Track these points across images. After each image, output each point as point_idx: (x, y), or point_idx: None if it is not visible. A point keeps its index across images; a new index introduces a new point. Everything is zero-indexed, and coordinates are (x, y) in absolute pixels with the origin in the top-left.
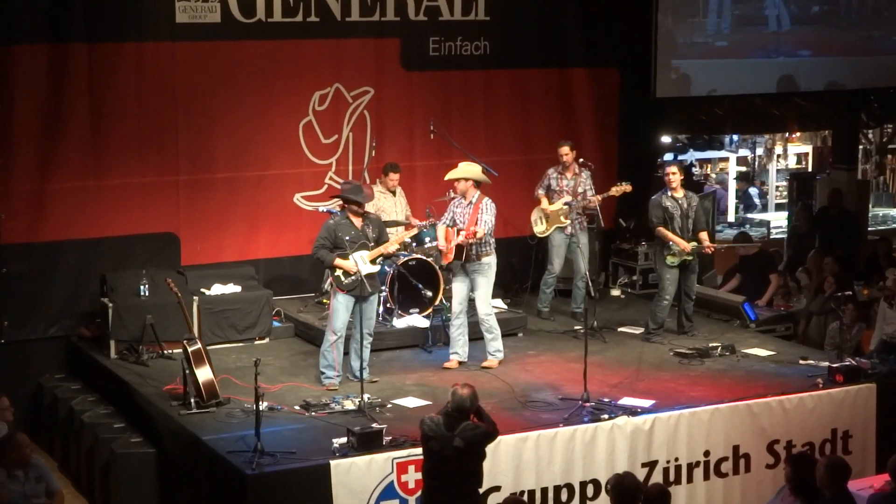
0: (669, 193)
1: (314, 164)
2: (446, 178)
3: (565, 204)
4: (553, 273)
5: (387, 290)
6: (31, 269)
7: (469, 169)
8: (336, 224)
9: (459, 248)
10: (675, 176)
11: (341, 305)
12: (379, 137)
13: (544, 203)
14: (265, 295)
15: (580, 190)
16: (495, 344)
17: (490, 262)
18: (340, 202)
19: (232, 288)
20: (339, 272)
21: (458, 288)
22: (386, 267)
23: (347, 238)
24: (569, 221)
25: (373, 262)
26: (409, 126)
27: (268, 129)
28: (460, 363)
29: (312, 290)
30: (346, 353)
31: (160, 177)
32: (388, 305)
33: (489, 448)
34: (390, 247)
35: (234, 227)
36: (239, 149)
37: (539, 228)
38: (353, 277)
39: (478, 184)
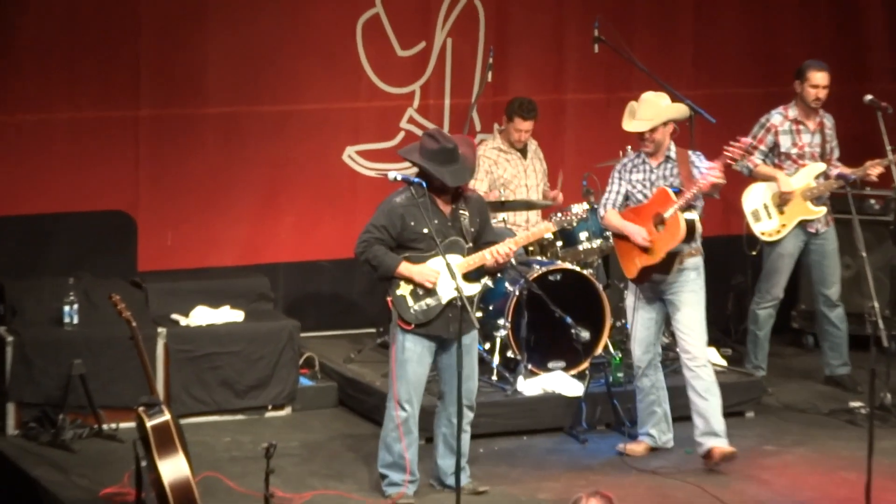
0: None
1: (381, 93)
2: (628, 127)
3: (823, 178)
4: (772, 301)
5: (505, 325)
6: None
7: (664, 105)
8: (405, 205)
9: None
10: None
11: (411, 354)
12: (500, 49)
13: (783, 180)
14: (287, 328)
15: (829, 149)
16: (713, 421)
17: (699, 265)
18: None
19: (228, 314)
20: (403, 289)
21: (646, 322)
22: (506, 284)
23: (425, 231)
24: (823, 210)
25: (470, 275)
26: (556, 32)
27: (299, 30)
28: (652, 449)
29: (372, 323)
30: (428, 441)
31: (106, 110)
32: (507, 354)
33: None
34: (504, 247)
35: (233, 206)
36: (245, 64)
37: (767, 226)
38: (431, 301)
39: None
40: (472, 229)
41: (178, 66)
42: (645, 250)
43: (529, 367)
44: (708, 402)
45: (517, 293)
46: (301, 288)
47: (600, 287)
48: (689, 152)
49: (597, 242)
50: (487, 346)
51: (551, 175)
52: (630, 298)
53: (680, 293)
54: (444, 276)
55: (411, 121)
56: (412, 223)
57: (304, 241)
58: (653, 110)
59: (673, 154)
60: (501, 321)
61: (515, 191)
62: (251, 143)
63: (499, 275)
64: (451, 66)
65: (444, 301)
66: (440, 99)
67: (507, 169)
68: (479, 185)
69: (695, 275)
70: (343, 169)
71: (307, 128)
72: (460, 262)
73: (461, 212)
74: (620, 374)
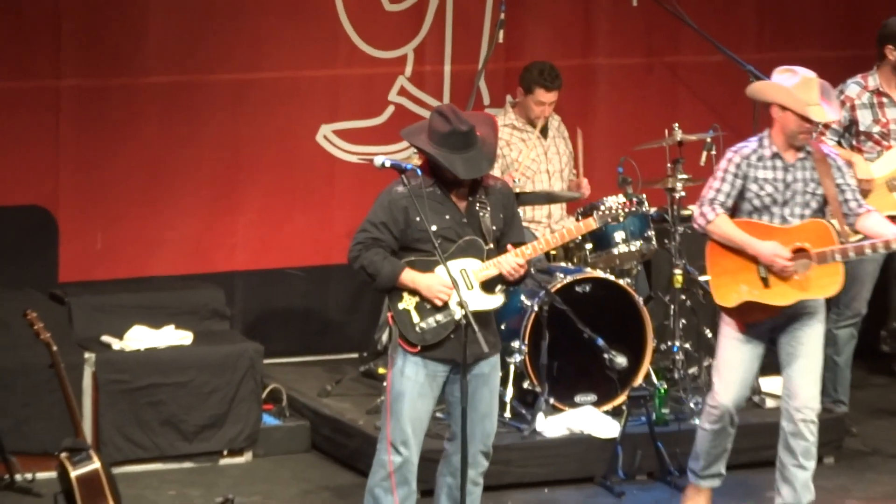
0: None
1: (365, 58)
2: (821, 116)
3: None
4: (853, 318)
5: (521, 348)
6: None
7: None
8: (409, 196)
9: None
10: None
11: (412, 383)
12: (513, 1)
13: (860, 166)
14: (247, 353)
15: None
16: (802, 494)
17: (822, 301)
18: (420, 155)
19: (173, 336)
20: (407, 302)
21: (746, 362)
22: (522, 297)
23: (434, 228)
24: None
25: (490, 284)
26: None
27: None
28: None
29: (355, 346)
30: (426, 495)
31: (16, 79)
32: (524, 386)
33: None
34: (513, 258)
35: (179, 200)
36: (194, 22)
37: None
38: (441, 316)
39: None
40: (494, 227)
41: (110, 23)
42: (765, 282)
43: (551, 401)
44: (805, 470)
45: (536, 309)
46: (264, 303)
47: (640, 301)
48: (823, 147)
49: (636, 244)
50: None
51: (602, 164)
52: (726, 330)
53: (800, 331)
54: (460, 286)
55: (403, 92)
56: (418, 219)
57: (267, 244)
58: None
59: (809, 148)
60: (516, 344)
61: (533, 178)
62: (201, 120)
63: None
64: (453, 24)
65: (458, 317)
66: (438, 65)
67: (522, 151)
68: None
69: (821, 310)
70: (317, 153)
71: (271, 102)
72: (476, 269)
73: (481, 206)
74: (666, 411)
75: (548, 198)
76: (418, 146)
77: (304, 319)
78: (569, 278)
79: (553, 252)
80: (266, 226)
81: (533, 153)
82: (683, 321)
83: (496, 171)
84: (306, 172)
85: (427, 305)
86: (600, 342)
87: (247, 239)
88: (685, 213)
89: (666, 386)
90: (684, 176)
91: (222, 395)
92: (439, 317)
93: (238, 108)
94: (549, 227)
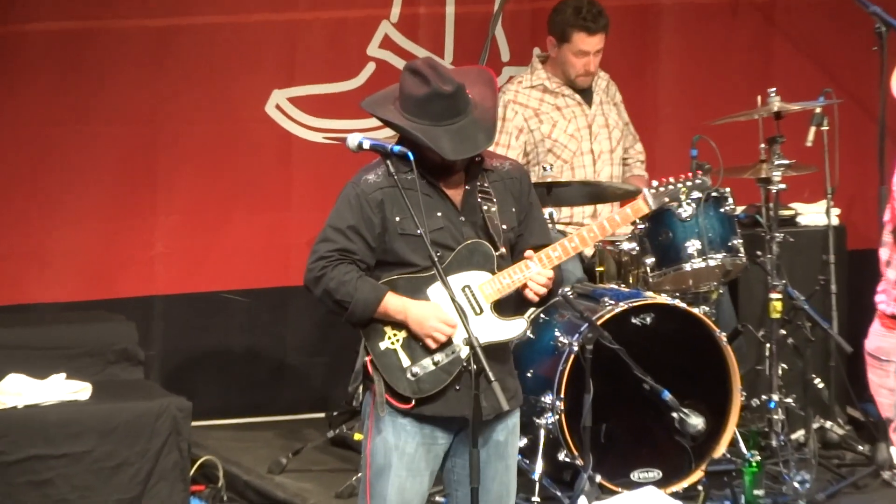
0: None
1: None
2: None
3: None
4: None
5: (556, 405)
6: None
7: None
8: (385, 187)
9: None
10: None
11: (397, 455)
12: None
13: None
14: (168, 412)
15: None
16: None
17: None
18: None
19: (63, 388)
20: (392, 340)
21: None
22: (556, 333)
23: (419, 232)
24: None
25: (502, 306)
26: None
27: None
28: None
29: (320, 401)
30: None
31: None
32: (559, 457)
33: None
34: (560, 250)
35: (72, 197)
36: None
37: None
38: (441, 356)
39: None
40: (505, 226)
41: None
42: None
43: (598, 479)
44: None
45: (576, 349)
46: (193, 341)
47: (723, 338)
48: None
49: (717, 258)
50: (524, 442)
51: (651, 119)
52: None
53: None
54: (467, 314)
55: (387, 44)
56: (398, 218)
57: (198, 259)
58: None
59: None
60: (548, 399)
61: (572, 163)
62: (106, 85)
63: (543, 315)
64: None
65: (465, 354)
66: (437, 5)
67: (557, 124)
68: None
69: None
70: (267, 130)
71: (203, 58)
72: (485, 282)
73: (483, 196)
74: (759, 493)
75: (591, 194)
76: (386, 119)
77: (248, 364)
78: (622, 306)
79: (600, 269)
80: (196, 232)
81: (572, 126)
82: (784, 366)
83: (516, 155)
84: (252, 157)
85: (420, 342)
86: (667, 396)
87: (169, 251)
88: (786, 213)
89: (759, 457)
90: (784, 161)
91: (134, 472)
92: (438, 356)
93: (158, 67)
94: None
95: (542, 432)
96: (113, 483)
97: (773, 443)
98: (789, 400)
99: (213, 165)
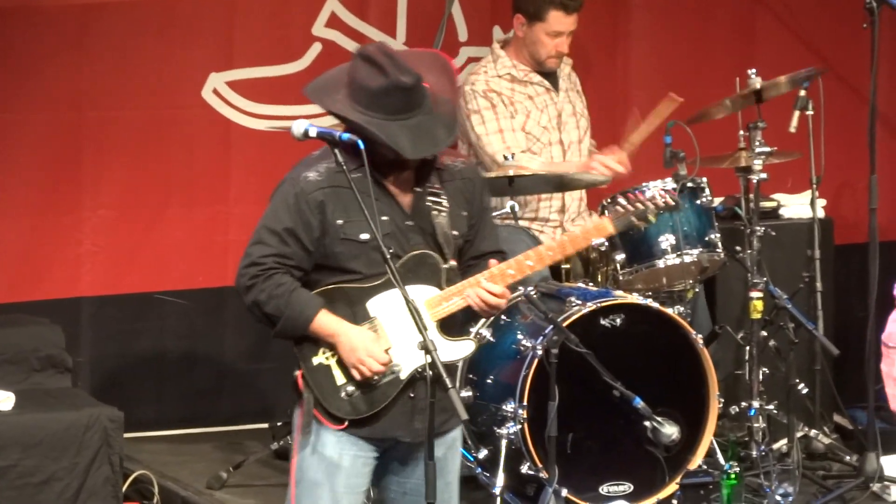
0: None
1: None
2: None
3: None
4: None
5: (518, 413)
6: None
7: None
8: (326, 187)
9: None
10: None
11: (332, 473)
12: None
13: None
14: (99, 423)
15: None
16: None
17: None
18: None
19: None
20: (326, 355)
21: None
22: (519, 335)
23: (364, 237)
24: None
25: (453, 324)
26: None
27: None
28: None
29: (264, 412)
30: None
31: None
32: (523, 470)
33: None
34: (515, 267)
35: None
36: None
37: None
38: (379, 376)
39: None
40: (456, 232)
41: None
42: None
43: (564, 493)
44: None
45: (540, 353)
46: (125, 346)
47: (699, 340)
48: None
49: (693, 253)
50: (484, 454)
51: (621, 105)
52: None
53: None
54: (403, 332)
55: (334, 22)
56: (340, 221)
57: (129, 257)
58: None
59: None
60: (510, 407)
61: (542, 154)
62: (25, 66)
63: (505, 316)
64: None
65: (404, 375)
66: None
67: (531, 115)
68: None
69: None
70: (203, 116)
71: (133, 37)
72: (431, 299)
73: (434, 200)
74: None
75: (560, 183)
76: (336, 112)
77: (185, 371)
78: (590, 307)
79: (566, 266)
80: (126, 229)
81: (544, 117)
82: (765, 370)
83: (522, 136)
84: (187, 146)
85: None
86: (638, 403)
87: (97, 249)
88: (768, 205)
89: (738, 469)
90: (766, 149)
91: (61, 489)
92: (376, 376)
93: (82, 49)
94: (564, 227)
95: (504, 443)
96: (39, 500)
97: (754, 453)
98: (771, 407)
99: (145, 156)
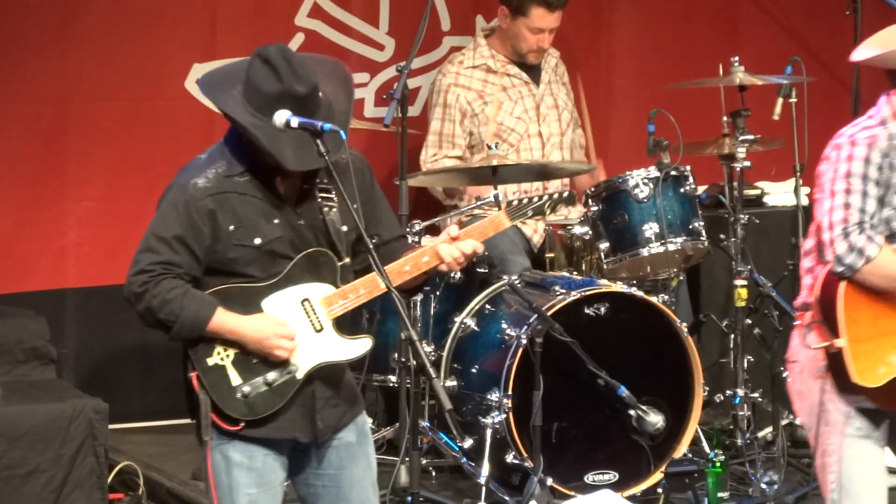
0: None
1: None
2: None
3: None
4: None
5: (503, 403)
6: None
7: None
8: (216, 193)
9: None
10: None
11: (245, 473)
12: None
13: None
14: (84, 415)
15: None
16: None
17: None
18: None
19: None
20: (221, 356)
21: (876, 471)
22: (503, 324)
23: (258, 241)
24: None
25: (352, 321)
26: None
27: None
28: None
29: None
30: None
31: None
32: (508, 460)
33: None
34: (444, 256)
35: None
36: None
37: None
38: (275, 374)
39: None
40: (346, 228)
41: None
42: None
43: (550, 482)
44: None
45: (524, 342)
46: (110, 337)
47: (684, 329)
48: None
49: (677, 242)
50: (469, 444)
51: (604, 95)
52: (851, 423)
53: None
54: (302, 328)
55: (316, 12)
56: (232, 227)
57: (113, 248)
58: None
59: None
60: (495, 396)
61: (519, 147)
62: (8, 58)
63: (489, 306)
64: None
65: (301, 374)
66: None
67: (503, 106)
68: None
69: None
70: (187, 107)
71: (117, 29)
72: (326, 296)
73: (324, 197)
74: (724, 496)
75: (540, 173)
76: (226, 112)
77: (170, 362)
78: (574, 295)
79: (550, 255)
80: (110, 220)
81: (518, 108)
82: (750, 358)
83: (463, 142)
84: (171, 138)
85: (253, 359)
86: (623, 392)
87: (82, 240)
88: (752, 192)
89: (723, 457)
90: (749, 137)
91: (46, 480)
92: (272, 375)
93: (65, 40)
94: (545, 219)
95: (489, 432)
96: (24, 492)
97: (739, 441)
98: (756, 395)
99: (128, 147)
